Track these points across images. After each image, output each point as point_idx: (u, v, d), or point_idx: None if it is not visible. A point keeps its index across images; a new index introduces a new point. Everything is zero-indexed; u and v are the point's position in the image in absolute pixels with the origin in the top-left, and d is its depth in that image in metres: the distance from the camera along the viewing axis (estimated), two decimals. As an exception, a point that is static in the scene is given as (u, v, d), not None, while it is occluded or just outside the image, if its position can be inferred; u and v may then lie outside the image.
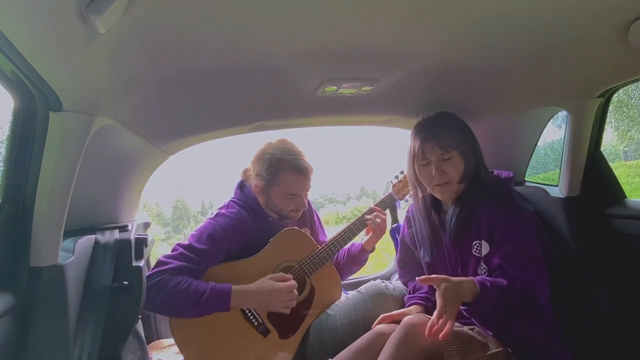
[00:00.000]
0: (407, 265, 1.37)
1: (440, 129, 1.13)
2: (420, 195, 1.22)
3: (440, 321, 0.92)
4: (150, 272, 1.20)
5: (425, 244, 1.23)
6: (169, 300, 1.18)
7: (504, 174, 1.23)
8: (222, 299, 1.21)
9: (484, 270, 1.09)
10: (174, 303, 1.18)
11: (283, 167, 1.31)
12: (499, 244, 1.06)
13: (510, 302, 0.97)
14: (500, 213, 1.09)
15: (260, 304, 1.26)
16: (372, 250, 1.50)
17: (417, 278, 0.99)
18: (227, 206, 1.39)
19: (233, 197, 1.43)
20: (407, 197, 1.56)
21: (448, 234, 1.15)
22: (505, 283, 1.00)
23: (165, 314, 1.28)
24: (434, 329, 0.92)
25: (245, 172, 1.45)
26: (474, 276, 1.11)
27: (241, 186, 1.44)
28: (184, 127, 1.34)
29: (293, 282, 1.27)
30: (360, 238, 1.50)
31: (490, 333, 1.01)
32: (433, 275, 0.97)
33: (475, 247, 1.11)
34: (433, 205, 1.21)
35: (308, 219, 1.54)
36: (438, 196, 1.17)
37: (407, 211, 1.35)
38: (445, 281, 0.95)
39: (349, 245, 1.48)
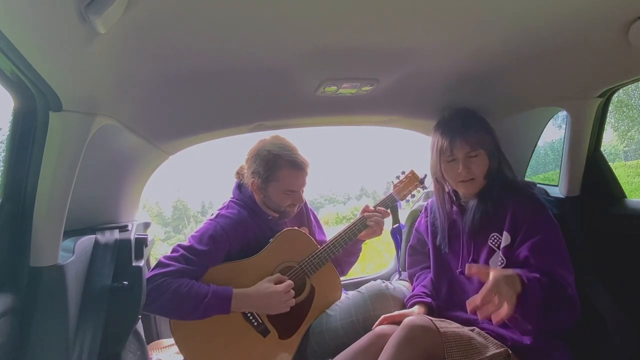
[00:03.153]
0: (417, 254, 1.39)
1: (468, 127, 1.16)
2: (442, 188, 1.25)
3: (495, 304, 0.87)
4: (151, 274, 1.20)
5: (444, 232, 1.25)
6: (171, 303, 1.18)
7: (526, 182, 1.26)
8: (223, 302, 1.21)
9: (501, 261, 1.09)
10: (175, 306, 1.19)
11: (281, 164, 1.31)
12: (525, 236, 1.07)
13: (548, 294, 0.96)
14: (526, 207, 1.10)
15: (260, 307, 1.27)
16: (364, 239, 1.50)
17: (467, 266, 0.96)
18: (226, 207, 1.39)
19: (232, 198, 1.42)
20: (407, 198, 1.56)
21: (467, 225, 1.17)
22: (539, 276, 0.98)
23: (166, 316, 1.28)
24: (482, 309, 0.87)
25: (239, 172, 1.45)
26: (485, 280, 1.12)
27: (239, 186, 1.44)
28: (184, 127, 1.34)
29: (289, 282, 1.28)
30: None
31: (529, 327, 0.99)
32: (482, 266, 0.94)
33: (493, 238, 1.13)
34: (454, 196, 1.24)
35: (305, 218, 1.54)
36: (461, 191, 1.20)
37: (428, 202, 1.38)
38: (494, 270, 0.91)
39: None
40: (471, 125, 1.16)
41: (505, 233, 1.10)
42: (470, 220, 1.16)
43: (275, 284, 1.27)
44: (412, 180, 1.54)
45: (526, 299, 0.93)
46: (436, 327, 0.98)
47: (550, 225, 1.09)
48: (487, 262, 1.13)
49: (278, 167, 1.31)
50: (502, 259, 1.10)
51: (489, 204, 1.14)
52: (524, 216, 1.09)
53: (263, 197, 1.36)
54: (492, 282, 0.87)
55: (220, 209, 1.39)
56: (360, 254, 1.55)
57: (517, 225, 1.09)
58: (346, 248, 1.44)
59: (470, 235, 1.17)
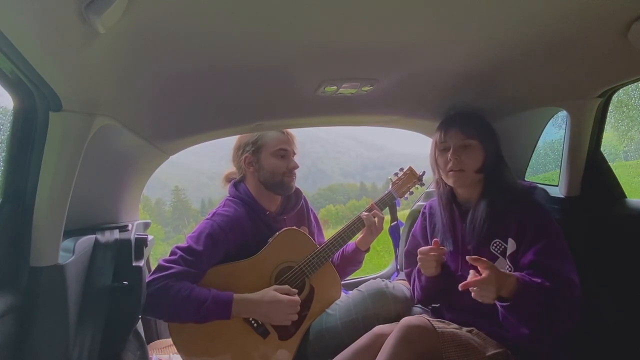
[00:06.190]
0: (413, 257, 1.38)
1: (465, 119, 1.19)
2: (443, 189, 1.25)
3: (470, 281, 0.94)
4: (151, 278, 1.19)
5: (444, 234, 1.24)
6: (171, 307, 1.18)
7: (526, 183, 1.25)
8: (223, 308, 1.21)
9: (508, 267, 1.09)
10: (175, 310, 1.19)
11: (265, 132, 1.40)
12: (531, 242, 1.06)
13: (552, 298, 0.97)
14: (530, 213, 1.10)
15: (262, 314, 1.26)
16: (367, 250, 1.49)
17: (467, 258, 0.98)
18: (223, 205, 1.39)
19: (228, 196, 1.42)
20: (406, 196, 1.56)
21: (468, 231, 1.16)
22: (540, 281, 0.98)
23: (166, 320, 1.28)
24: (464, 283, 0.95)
25: (229, 175, 1.48)
26: (481, 273, 1.12)
27: (235, 184, 1.44)
28: (184, 127, 1.34)
29: (297, 299, 1.27)
30: (355, 237, 1.48)
31: (526, 331, 0.98)
32: (483, 259, 0.96)
33: (495, 245, 1.12)
34: (454, 198, 1.23)
35: (305, 217, 1.54)
36: (451, 183, 1.18)
37: (425, 206, 1.37)
38: (492, 268, 0.95)
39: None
40: (470, 118, 1.19)
41: (510, 240, 1.10)
42: (472, 226, 1.15)
43: (282, 293, 1.26)
44: (411, 177, 1.54)
45: (524, 303, 0.94)
46: (434, 327, 0.98)
47: (555, 230, 1.08)
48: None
49: (263, 134, 1.39)
50: (509, 265, 1.09)
51: (491, 210, 1.13)
52: (529, 223, 1.09)
53: (258, 171, 1.37)
54: (484, 280, 0.93)
55: (217, 208, 1.39)
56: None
57: (522, 232, 1.09)
58: (346, 256, 1.45)
59: (470, 239, 1.16)
